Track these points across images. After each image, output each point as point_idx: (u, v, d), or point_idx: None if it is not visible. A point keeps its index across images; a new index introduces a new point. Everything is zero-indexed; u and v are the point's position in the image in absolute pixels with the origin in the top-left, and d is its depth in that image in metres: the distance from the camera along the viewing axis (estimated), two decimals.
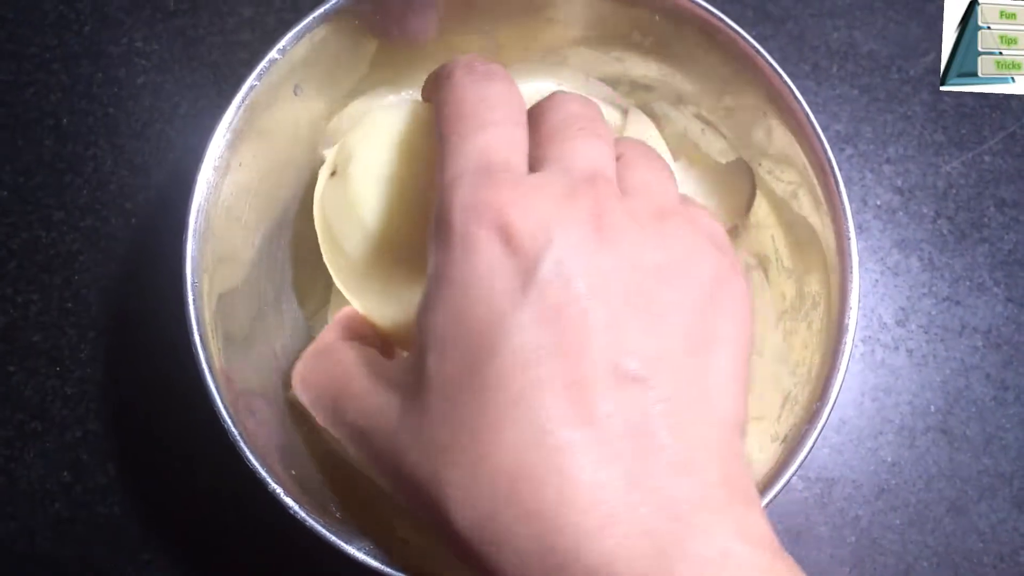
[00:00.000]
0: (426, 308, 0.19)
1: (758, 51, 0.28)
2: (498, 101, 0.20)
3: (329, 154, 0.28)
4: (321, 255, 0.27)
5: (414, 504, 0.19)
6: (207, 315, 0.24)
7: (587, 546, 0.16)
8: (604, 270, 0.18)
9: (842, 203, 0.27)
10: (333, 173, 0.26)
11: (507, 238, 0.18)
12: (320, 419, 0.22)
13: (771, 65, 0.28)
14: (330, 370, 0.22)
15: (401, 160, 0.25)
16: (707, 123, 0.32)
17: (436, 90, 0.22)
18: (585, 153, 0.20)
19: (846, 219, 0.26)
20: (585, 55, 0.32)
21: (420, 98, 0.26)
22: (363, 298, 0.26)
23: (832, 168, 0.27)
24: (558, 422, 0.17)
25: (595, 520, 0.16)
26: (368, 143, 0.25)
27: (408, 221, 0.24)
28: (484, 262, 0.18)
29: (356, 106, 0.32)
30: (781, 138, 0.29)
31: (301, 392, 0.23)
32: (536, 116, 0.21)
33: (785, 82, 0.27)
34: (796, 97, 0.27)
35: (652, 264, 0.19)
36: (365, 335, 0.25)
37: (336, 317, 0.25)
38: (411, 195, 0.24)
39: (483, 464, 0.17)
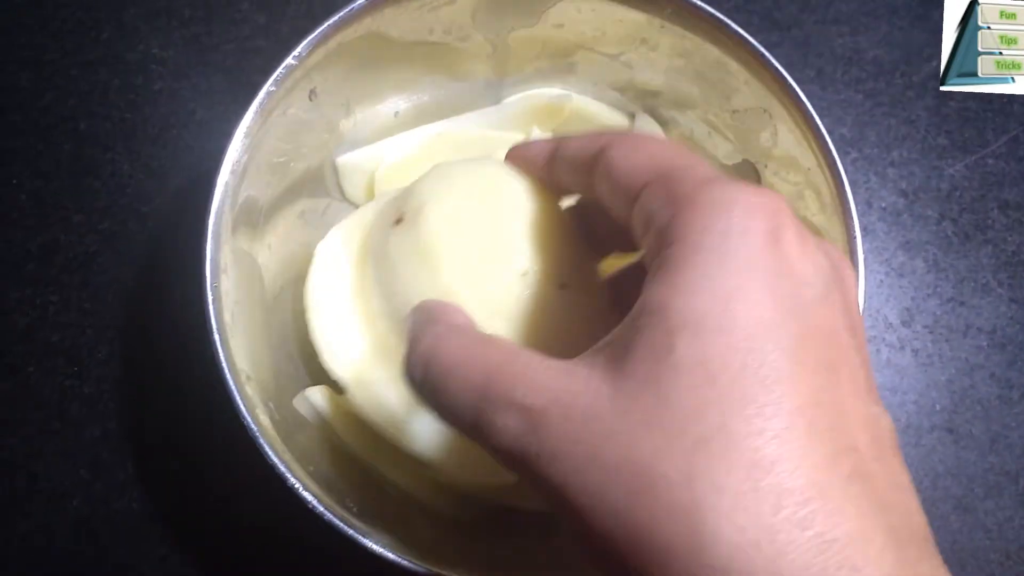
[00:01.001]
0: (677, 285, 0.16)
1: (763, 55, 0.28)
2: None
3: (387, 202, 0.28)
4: None
5: (620, 503, 0.15)
6: (227, 316, 0.25)
7: None
8: (849, 307, 0.18)
9: (847, 203, 0.27)
10: (399, 221, 0.25)
11: (778, 239, 0.17)
12: (451, 400, 0.18)
13: (776, 69, 0.28)
14: (478, 348, 0.19)
15: (474, 215, 0.24)
16: (713, 127, 0.33)
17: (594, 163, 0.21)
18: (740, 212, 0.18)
19: (852, 219, 0.27)
20: (593, 61, 0.33)
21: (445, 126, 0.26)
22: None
23: (837, 168, 0.27)
24: (837, 458, 0.15)
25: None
26: (441, 194, 0.25)
27: (475, 271, 0.24)
28: (761, 254, 0.16)
29: (371, 111, 0.32)
30: (786, 140, 0.29)
31: (430, 370, 0.19)
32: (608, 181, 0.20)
33: (790, 85, 0.28)
34: (801, 99, 0.28)
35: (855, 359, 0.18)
36: None
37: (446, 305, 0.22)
38: (480, 249, 0.24)
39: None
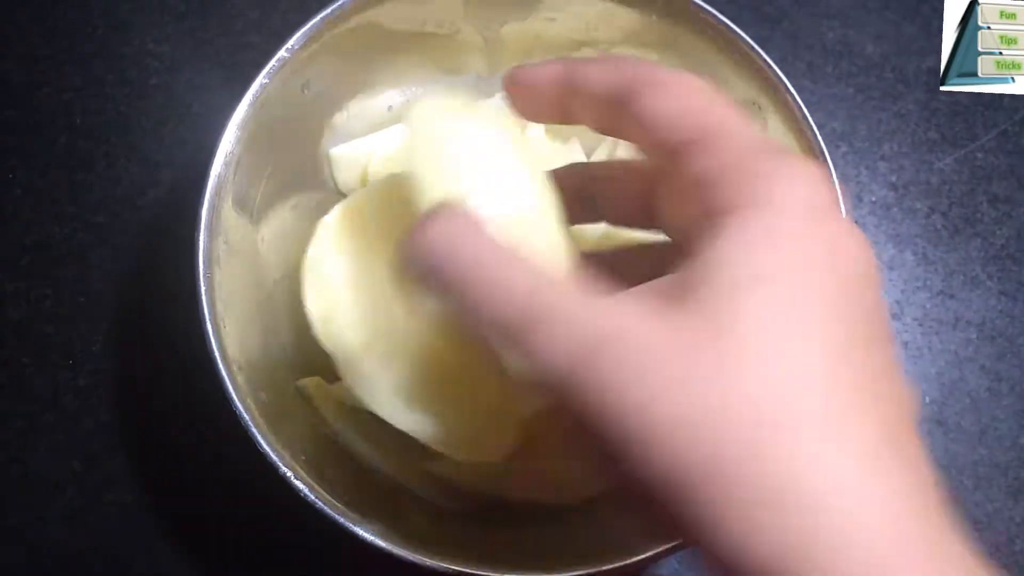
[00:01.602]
0: (745, 243, 0.16)
1: (753, 48, 0.28)
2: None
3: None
4: None
5: (694, 437, 0.15)
6: (219, 306, 0.25)
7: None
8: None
9: (840, 201, 0.27)
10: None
11: (828, 214, 0.17)
12: (486, 301, 0.17)
13: (766, 62, 0.28)
14: (515, 258, 0.17)
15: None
16: None
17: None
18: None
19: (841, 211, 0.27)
20: (586, 54, 0.33)
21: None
22: None
23: (827, 162, 0.27)
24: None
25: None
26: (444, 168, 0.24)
27: None
28: (818, 228, 0.16)
29: (364, 104, 0.33)
30: (776, 133, 0.29)
31: (458, 258, 0.17)
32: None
33: (780, 78, 0.28)
34: (791, 92, 0.28)
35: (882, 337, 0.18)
36: None
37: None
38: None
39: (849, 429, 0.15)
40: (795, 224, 0.16)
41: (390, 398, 0.26)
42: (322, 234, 0.28)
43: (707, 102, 0.19)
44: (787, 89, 0.28)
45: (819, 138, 0.28)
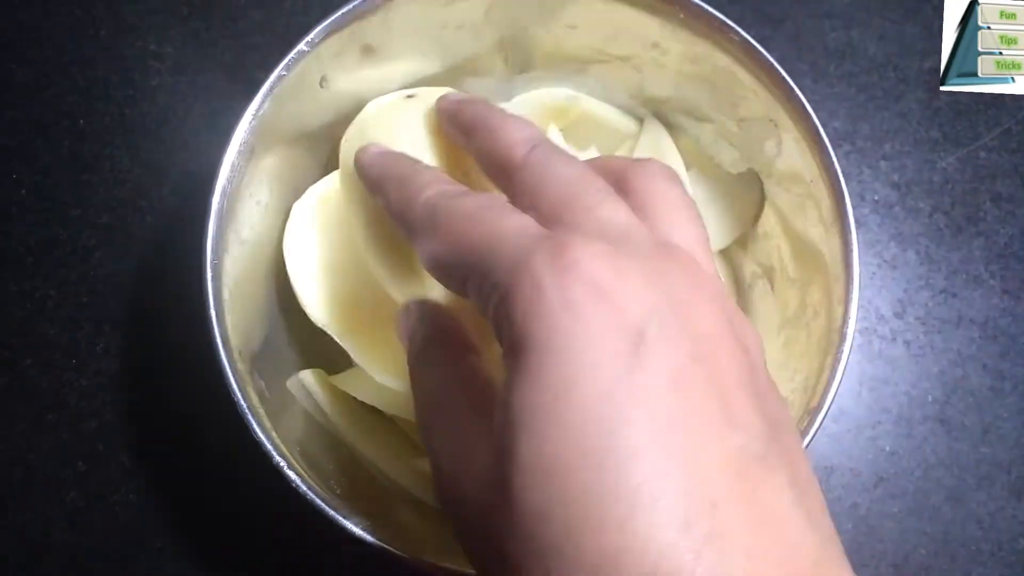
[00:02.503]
0: (516, 384, 0.16)
1: (772, 65, 0.28)
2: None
3: None
4: None
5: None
6: (224, 294, 0.25)
7: None
8: (704, 331, 0.16)
9: (847, 219, 0.27)
10: None
11: (608, 299, 0.16)
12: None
13: (783, 79, 0.28)
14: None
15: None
16: (720, 134, 0.33)
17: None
18: (629, 217, 0.18)
19: (850, 233, 0.27)
20: (605, 63, 0.33)
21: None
22: None
23: (839, 182, 0.27)
24: (685, 515, 0.14)
25: None
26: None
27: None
28: (588, 326, 0.15)
29: (381, 100, 0.32)
30: (791, 151, 0.29)
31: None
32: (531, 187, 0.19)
33: (797, 95, 0.28)
34: (807, 111, 0.28)
35: (739, 332, 0.17)
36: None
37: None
38: None
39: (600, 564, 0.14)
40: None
41: (387, 363, 0.26)
42: (298, 215, 0.28)
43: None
44: (804, 107, 0.28)
45: (834, 159, 0.27)
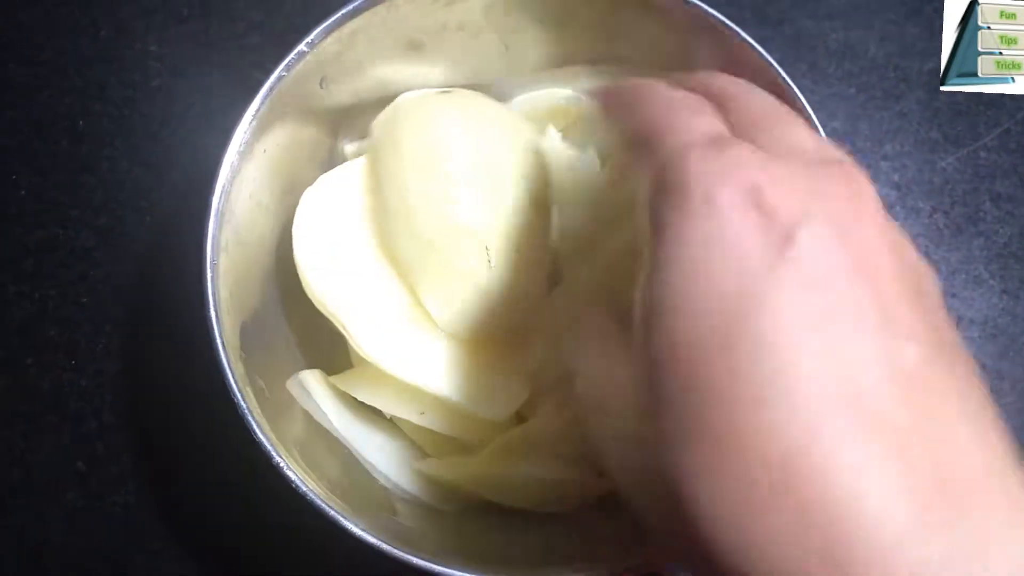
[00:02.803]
0: (654, 272, 0.16)
1: (772, 66, 0.28)
2: (696, 100, 0.19)
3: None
4: None
5: (647, 497, 0.17)
6: (223, 293, 0.25)
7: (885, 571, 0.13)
8: (867, 246, 0.16)
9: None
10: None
11: (759, 201, 0.15)
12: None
13: (785, 80, 0.28)
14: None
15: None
16: None
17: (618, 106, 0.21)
18: (811, 139, 0.18)
19: None
20: (605, 64, 0.33)
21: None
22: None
23: None
24: (831, 406, 0.14)
25: (881, 541, 0.13)
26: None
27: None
28: (731, 222, 0.15)
29: (381, 102, 0.33)
30: None
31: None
32: (730, 102, 0.19)
33: (797, 97, 0.28)
34: (808, 112, 0.28)
35: (910, 259, 0.17)
36: None
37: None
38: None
39: (736, 449, 0.14)
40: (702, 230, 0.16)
41: (394, 355, 0.26)
42: (308, 203, 0.28)
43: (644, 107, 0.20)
44: (804, 108, 0.28)
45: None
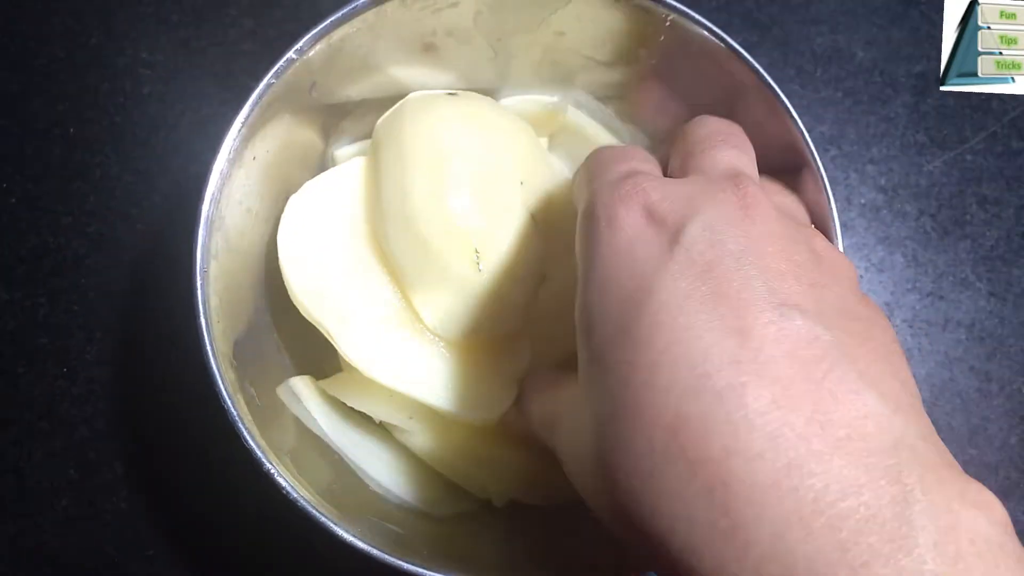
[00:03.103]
0: (580, 292, 0.19)
1: (761, 74, 0.28)
2: (632, 151, 0.22)
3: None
4: None
5: (594, 494, 0.18)
6: (213, 301, 0.25)
7: (771, 508, 0.14)
8: (753, 236, 0.17)
9: (833, 219, 0.27)
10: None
11: (650, 214, 0.18)
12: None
13: (771, 85, 0.28)
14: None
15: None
16: None
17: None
18: (726, 158, 0.20)
19: (836, 235, 0.27)
20: (592, 72, 0.33)
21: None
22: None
23: (825, 186, 0.27)
24: (719, 365, 0.15)
25: (772, 474, 0.14)
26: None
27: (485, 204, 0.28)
28: (626, 234, 0.18)
29: (370, 107, 0.33)
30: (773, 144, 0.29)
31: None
32: (678, 138, 0.23)
33: (784, 102, 0.28)
34: (793, 116, 0.28)
35: (806, 248, 0.18)
36: None
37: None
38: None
39: (639, 419, 0.16)
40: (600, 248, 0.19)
41: (380, 361, 0.27)
42: (294, 208, 0.29)
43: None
44: (790, 113, 0.28)
45: (820, 163, 0.27)
